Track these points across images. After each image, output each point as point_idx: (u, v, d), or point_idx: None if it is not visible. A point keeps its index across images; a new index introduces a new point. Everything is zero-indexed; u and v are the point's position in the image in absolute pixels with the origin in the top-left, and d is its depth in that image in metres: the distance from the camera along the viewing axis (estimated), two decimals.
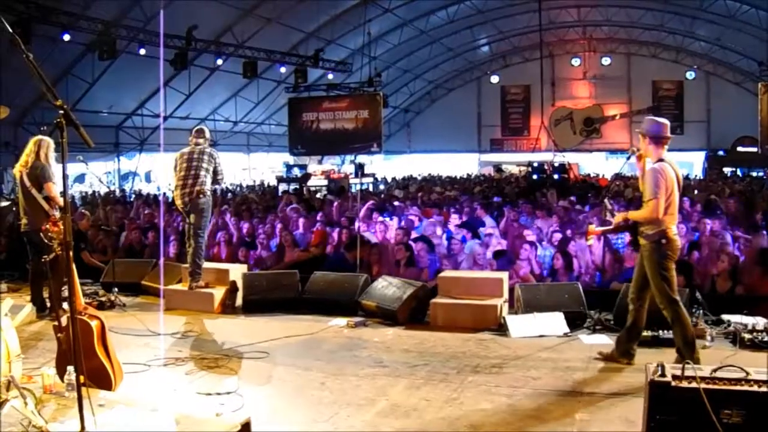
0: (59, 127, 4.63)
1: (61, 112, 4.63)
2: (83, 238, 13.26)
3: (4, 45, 4.63)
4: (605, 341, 8.17)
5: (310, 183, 33.64)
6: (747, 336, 7.70)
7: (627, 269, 10.54)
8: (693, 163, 44.83)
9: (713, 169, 39.18)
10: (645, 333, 7.81)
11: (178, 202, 10.35)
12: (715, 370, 4.79)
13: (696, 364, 6.57)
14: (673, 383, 4.71)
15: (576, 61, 43.59)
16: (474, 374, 7.05)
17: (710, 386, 4.65)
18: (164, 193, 20.02)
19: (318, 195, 26.99)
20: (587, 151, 45.15)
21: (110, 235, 14.23)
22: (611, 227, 7.97)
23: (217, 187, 10.75)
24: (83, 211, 14.47)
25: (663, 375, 4.78)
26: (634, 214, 7.31)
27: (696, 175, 40.92)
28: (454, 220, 14.90)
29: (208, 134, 10.60)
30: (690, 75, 42.06)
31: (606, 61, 42.91)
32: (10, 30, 4.65)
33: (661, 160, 7.05)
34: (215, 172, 10.37)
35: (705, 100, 42.56)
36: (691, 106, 43.07)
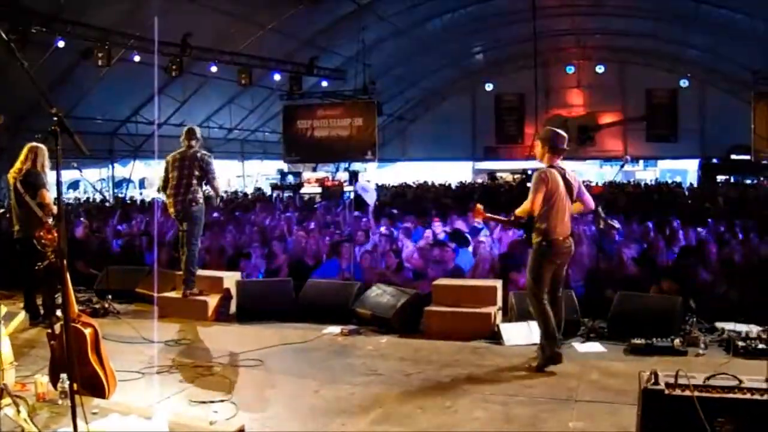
0: (53, 134, 4.64)
1: (56, 119, 4.63)
2: (80, 246, 13.24)
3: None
4: (599, 349, 8.18)
5: (304, 190, 33.67)
6: (741, 343, 7.70)
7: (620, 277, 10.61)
8: (687, 170, 44.95)
9: (707, 177, 39.24)
10: (638, 340, 7.84)
11: (171, 209, 10.30)
12: (708, 378, 4.79)
13: (556, 360, 7.34)
14: (667, 391, 4.71)
15: (570, 69, 43.61)
16: (468, 382, 7.05)
17: (704, 394, 4.65)
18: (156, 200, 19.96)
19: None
20: (581, 159, 45.18)
21: (104, 242, 14.22)
22: (501, 218, 8.59)
23: (211, 192, 10.65)
24: (81, 219, 14.46)
25: (656, 383, 4.78)
26: (517, 211, 7.78)
27: (690, 183, 41.07)
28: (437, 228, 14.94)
29: (199, 134, 10.49)
30: (684, 83, 42.06)
31: (600, 69, 42.90)
32: (5, 38, 4.65)
33: (552, 166, 7.65)
34: (209, 177, 10.32)
35: (699, 109, 42.56)
36: (685, 114, 43.07)
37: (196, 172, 10.15)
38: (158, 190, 10.95)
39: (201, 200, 10.26)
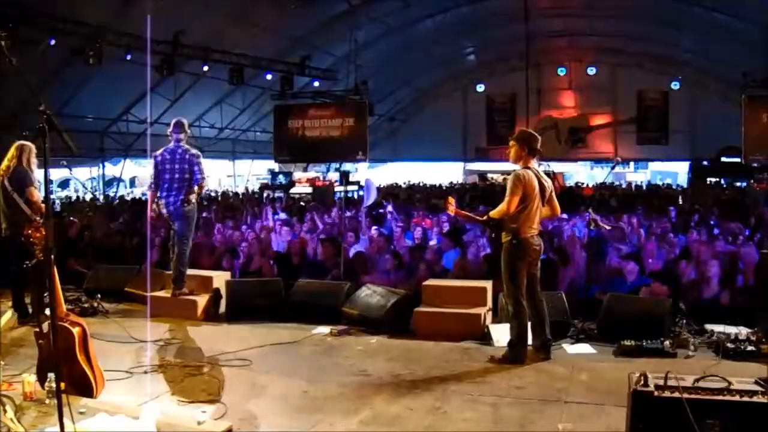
0: (41, 132, 4.61)
1: (44, 117, 4.61)
2: (71, 245, 13.20)
3: None
4: (588, 350, 8.19)
5: (294, 190, 33.63)
6: (730, 345, 7.71)
7: (613, 279, 10.63)
8: (678, 172, 45.04)
9: (697, 179, 39.29)
10: (628, 342, 7.85)
11: (164, 209, 10.28)
12: (697, 380, 4.80)
13: (521, 360, 7.50)
14: (656, 393, 4.72)
15: (562, 71, 43.67)
16: (457, 383, 7.05)
17: (693, 396, 4.66)
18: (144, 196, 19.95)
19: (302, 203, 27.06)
20: (572, 161, 45.27)
21: (93, 240, 14.19)
22: (473, 216, 8.83)
23: (199, 189, 10.58)
24: (72, 218, 14.42)
25: (646, 385, 4.79)
26: (492, 212, 7.87)
27: (679, 185, 41.12)
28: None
29: (187, 126, 10.44)
30: (675, 85, 42.17)
31: (591, 71, 43.00)
32: None
33: (527, 168, 7.84)
34: (197, 178, 10.25)
35: (690, 110, 42.63)
36: (676, 116, 43.17)
37: (187, 175, 10.13)
38: (149, 188, 10.88)
39: (193, 200, 10.25)
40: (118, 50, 23.12)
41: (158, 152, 10.35)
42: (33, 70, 19.90)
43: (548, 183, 8.00)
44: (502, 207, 7.70)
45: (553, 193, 8.10)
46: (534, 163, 7.96)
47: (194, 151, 10.34)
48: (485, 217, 8.08)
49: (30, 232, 6.11)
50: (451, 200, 8.38)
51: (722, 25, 30.13)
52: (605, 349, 8.18)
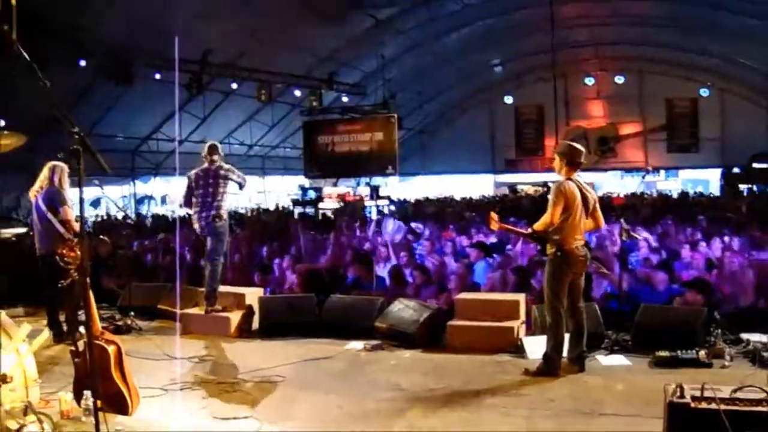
0: (76, 154, 4.66)
1: (77, 138, 4.65)
2: (103, 263, 13.30)
3: (20, 70, 4.68)
4: (623, 362, 8.13)
5: (325, 206, 33.65)
6: (766, 355, 7.63)
7: (645, 289, 10.55)
8: (709, 180, 44.62)
9: (729, 186, 38.96)
10: (663, 353, 7.79)
11: (195, 225, 10.38)
12: (735, 391, 4.75)
13: (555, 372, 7.45)
14: (693, 404, 4.67)
15: (589, 81, 43.44)
16: (492, 396, 7.02)
17: (730, 407, 4.60)
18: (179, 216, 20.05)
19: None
20: (602, 170, 45.00)
21: (126, 258, 14.29)
22: (518, 230, 8.68)
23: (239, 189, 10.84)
24: (103, 237, 14.52)
25: (682, 396, 4.74)
26: (536, 225, 7.85)
27: (711, 193, 40.76)
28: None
29: (220, 149, 10.59)
30: (704, 92, 41.85)
31: (619, 79, 42.75)
32: (28, 58, 4.68)
33: (569, 179, 7.80)
34: (238, 183, 10.50)
35: (719, 117, 42.31)
36: (706, 123, 42.85)
37: (221, 189, 10.23)
38: (180, 205, 10.99)
39: (225, 216, 10.34)
40: (147, 70, 23.31)
41: (192, 171, 10.48)
42: (63, 90, 20.07)
43: (591, 194, 7.98)
44: (545, 218, 7.72)
45: (597, 205, 8.07)
46: (576, 175, 7.91)
47: (226, 166, 10.46)
48: (529, 230, 8.03)
49: (65, 251, 6.16)
50: (494, 215, 8.34)
51: (749, 30, 29.90)
52: (640, 360, 8.12)
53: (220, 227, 10.25)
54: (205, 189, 10.26)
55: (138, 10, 20.84)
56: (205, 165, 10.39)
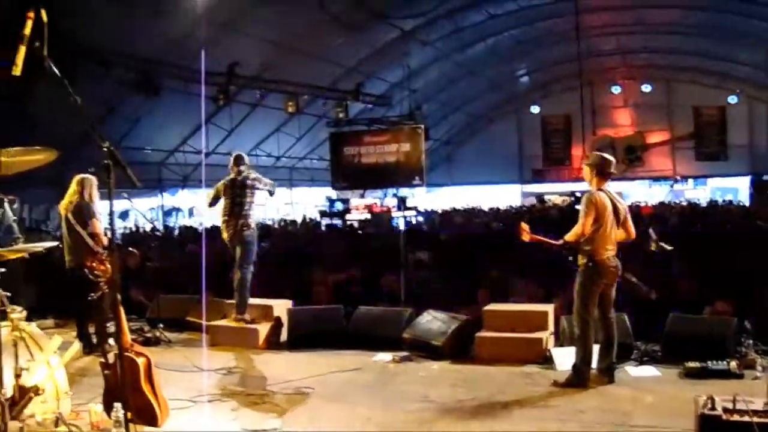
0: (106, 169, 4.69)
1: (107, 152, 4.69)
2: (132, 275, 13.37)
3: (51, 86, 4.72)
4: (653, 372, 8.07)
5: (352, 217, 33.69)
6: None
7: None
8: (738, 188, 44.25)
9: (759, 194, 38.61)
10: (693, 363, 7.72)
11: (224, 234, 10.45)
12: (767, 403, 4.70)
13: (584, 383, 7.43)
14: (725, 417, 4.63)
15: (616, 89, 43.25)
16: (521, 408, 7.00)
17: (763, 420, 4.55)
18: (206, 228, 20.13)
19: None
20: (630, 179, 44.73)
21: (155, 270, 14.36)
22: (549, 241, 8.30)
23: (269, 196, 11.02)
24: (132, 249, 14.61)
25: (713, 408, 4.70)
26: (567, 236, 7.82)
27: (740, 201, 40.41)
28: None
29: (247, 160, 10.70)
30: (732, 99, 41.55)
31: (646, 88, 42.53)
32: (58, 74, 4.72)
33: (600, 189, 7.85)
34: (267, 190, 10.67)
35: (748, 125, 42.00)
36: (734, 130, 42.54)
37: (248, 198, 10.31)
38: (209, 205, 11.04)
39: (253, 225, 10.43)
40: (174, 82, 23.45)
41: (220, 182, 10.62)
42: (92, 104, 20.21)
43: (622, 204, 7.98)
44: (576, 229, 7.71)
45: (628, 215, 8.04)
46: (607, 185, 7.95)
47: (253, 175, 10.59)
48: (561, 241, 8.00)
49: (93, 264, 6.20)
50: (525, 226, 8.31)
51: None
52: (670, 371, 8.06)
53: (248, 236, 10.33)
54: (233, 199, 10.35)
55: (165, 24, 21.00)
56: (232, 175, 10.46)
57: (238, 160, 10.56)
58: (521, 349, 8.90)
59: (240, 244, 10.31)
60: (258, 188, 10.47)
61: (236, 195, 10.35)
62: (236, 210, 10.32)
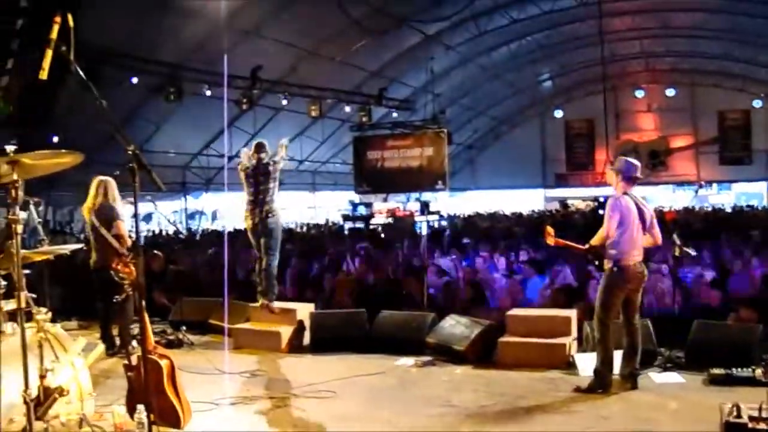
0: (132, 172, 4.72)
1: (132, 156, 4.72)
2: (155, 278, 13.43)
3: (74, 89, 4.76)
4: (677, 379, 8.01)
5: (375, 221, 33.70)
6: None
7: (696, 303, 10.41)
8: (763, 193, 43.96)
9: None
10: (717, 371, 7.66)
11: (248, 223, 10.48)
12: None
13: (606, 388, 7.41)
14: (750, 425, 4.59)
15: (640, 93, 43.06)
16: (543, 413, 6.97)
17: None
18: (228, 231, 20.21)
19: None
20: (654, 184, 44.52)
21: (178, 273, 14.41)
22: (575, 245, 8.32)
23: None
24: (156, 252, 14.70)
25: (739, 416, 4.67)
26: (593, 240, 7.87)
27: (765, 206, 40.11)
28: (522, 256, 14.83)
29: (268, 147, 10.72)
30: (757, 103, 41.29)
31: (670, 92, 42.33)
32: (84, 78, 4.75)
33: (625, 194, 7.79)
34: (278, 164, 10.58)
35: None
36: (759, 134, 42.32)
37: (270, 185, 10.34)
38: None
39: (277, 212, 10.45)
40: (198, 86, 23.57)
41: (243, 165, 10.66)
42: (116, 107, 20.35)
43: (648, 210, 7.93)
44: (601, 233, 7.72)
45: (654, 221, 8.00)
46: (632, 190, 7.91)
47: (270, 156, 10.61)
48: (587, 246, 7.98)
49: (119, 266, 6.22)
50: (550, 230, 8.29)
51: None
52: (694, 378, 7.98)
53: (272, 223, 10.36)
54: (255, 187, 10.38)
55: (188, 29, 21.12)
56: (254, 162, 10.47)
57: (259, 147, 10.59)
58: (544, 354, 8.86)
59: (264, 231, 10.36)
60: (278, 166, 10.50)
61: (260, 183, 10.36)
62: (260, 198, 10.35)
